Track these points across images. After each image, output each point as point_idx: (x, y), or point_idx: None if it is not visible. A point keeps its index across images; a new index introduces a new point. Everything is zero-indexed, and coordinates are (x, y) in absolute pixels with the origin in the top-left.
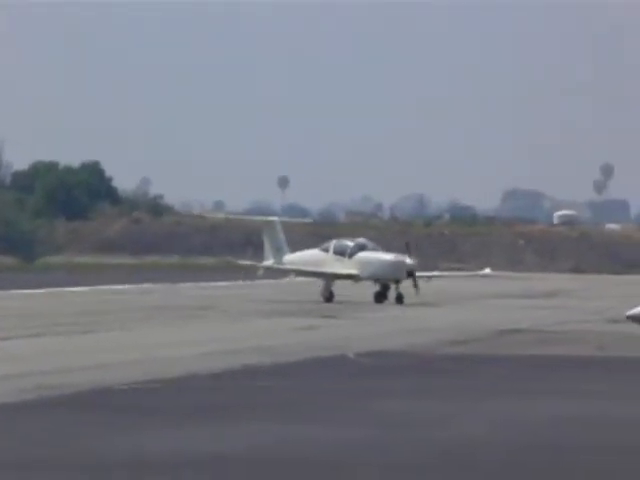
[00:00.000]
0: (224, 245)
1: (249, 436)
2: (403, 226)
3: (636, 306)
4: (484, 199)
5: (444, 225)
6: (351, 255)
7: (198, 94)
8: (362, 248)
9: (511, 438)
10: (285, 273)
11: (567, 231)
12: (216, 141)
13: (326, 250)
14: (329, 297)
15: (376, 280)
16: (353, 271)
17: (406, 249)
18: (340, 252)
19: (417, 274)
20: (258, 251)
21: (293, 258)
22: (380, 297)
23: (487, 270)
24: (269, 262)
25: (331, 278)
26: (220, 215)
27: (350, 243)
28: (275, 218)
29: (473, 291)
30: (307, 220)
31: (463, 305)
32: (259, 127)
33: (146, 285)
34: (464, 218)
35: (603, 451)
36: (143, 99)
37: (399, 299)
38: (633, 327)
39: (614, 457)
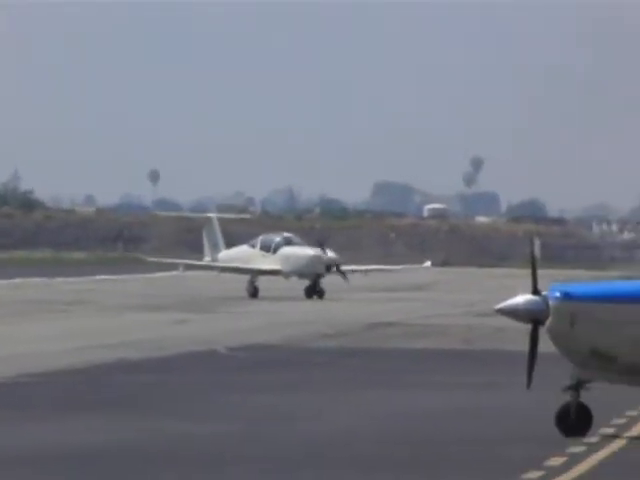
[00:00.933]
0: (95, 239)
1: (114, 430)
2: (274, 220)
3: (505, 299)
4: (354, 192)
5: (315, 219)
6: (275, 250)
7: (67, 88)
8: (288, 243)
9: (381, 430)
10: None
11: (437, 224)
12: (86, 135)
13: (253, 246)
14: (254, 293)
15: (300, 275)
16: (276, 266)
17: (319, 246)
18: (266, 247)
19: (351, 268)
20: (128, 245)
21: (226, 255)
22: (310, 292)
23: (428, 263)
24: (207, 259)
25: (254, 274)
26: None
27: (277, 238)
28: (213, 215)
29: (343, 284)
30: (246, 216)
31: (334, 298)
32: (129, 121)
33: (18, 280)
34: (334, 211)
35: (472, 443)
36: (10, 94)
37: (319, 294)
38: (501, 320)
39: (481, 447)
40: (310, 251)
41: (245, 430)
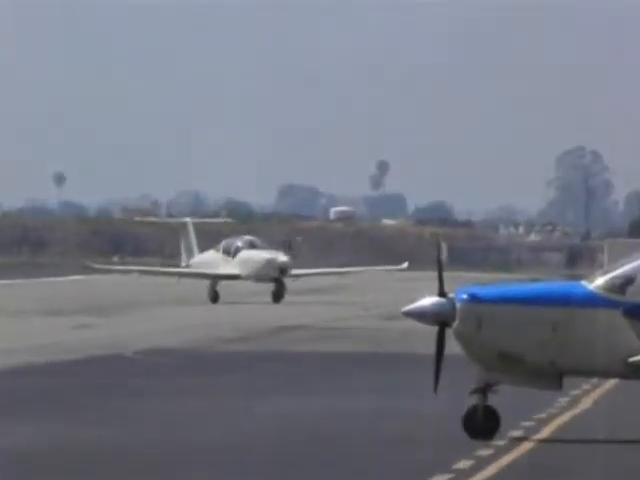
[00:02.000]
0: (0, 244)
1: (8, 435)
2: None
3: (412, 302)
4: (260, 195)
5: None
6: (235, 254)
7: None
8: (248, 246)
9: (282, 434)
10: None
11: (344, 227)
12: None
13: (217, 250)
14: (214, 297)
15: (256, 279)
16: (236, 271)
17: (287, 246)
18: (227, 251)
19: (295, 272)
20: (35, 249)
21: (199, 259)
22: (276, 296)
23: (405, 264)
24: (183, 264)
25: (215, 279)
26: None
27: (237, 242)
28: (188, 219)
29: (250, 289)
30: (224, 220)
31: (239, 302)
32: (31, 123)
33: None
34: (241, 214)
35: (380, 445)
36: None
37: (276, 296)
38: (409, 323)
39: (389, 450)
40: (266, 255)
41: (137, 435)
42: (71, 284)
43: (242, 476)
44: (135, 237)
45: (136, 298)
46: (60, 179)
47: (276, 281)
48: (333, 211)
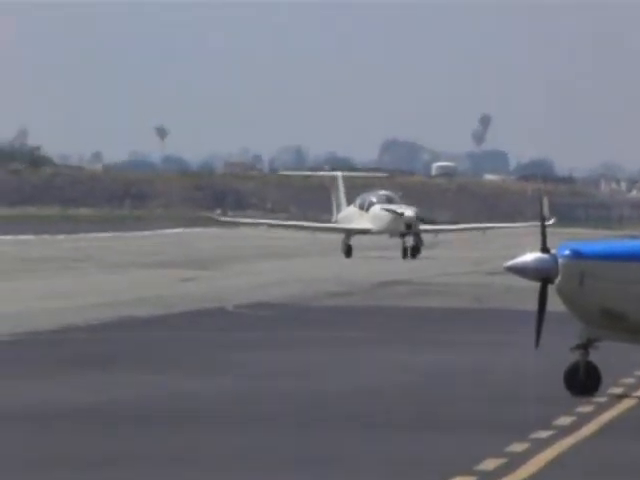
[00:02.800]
0: (103, 196)
1: (119, 387)
2: (281, 177)
3: (514, 257)
4: (362, 150)
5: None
6: (368, 209)
7: (75, 46)
8: (385, 201)
9: (387, 388)
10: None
11: (445, 183)
12: (93, 92)
13: (355, 205)
14: (347, 251)
15: (388, 233)
16: (367, 225)
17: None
18: (362, 206)
19: (426, 227)
20: (136, 202)
21: (343, 214)
22: (405, 251)
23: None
24: (333, 219)
25: (347, 233)
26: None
27: (371, 197)
28: (338, 173)
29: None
30: (381, 175)
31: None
32: (135, 78)
33: (24, 237)
34: (343, 170)
35: (480, 402)
36: (17, 52)
37: (413, 251)
38: (511, 279)
39: (489, 407)
40: (389, 210)
41: (251, 387)
42: (175, 237)
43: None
44: (237, 192)
45: (237, 252)
46: (163, 133)
47: (404, 236)
48: (435, 166)
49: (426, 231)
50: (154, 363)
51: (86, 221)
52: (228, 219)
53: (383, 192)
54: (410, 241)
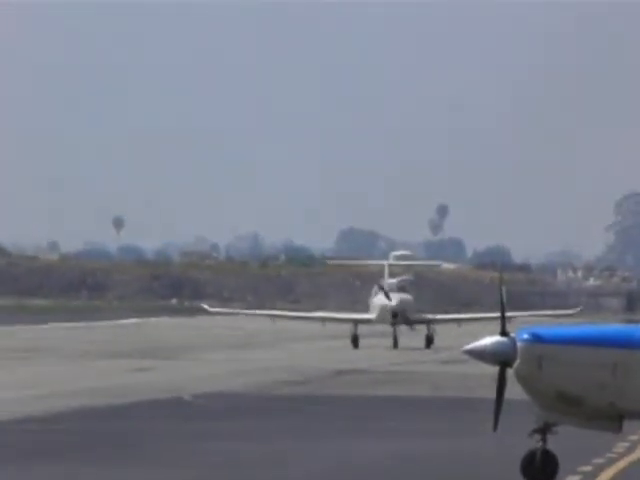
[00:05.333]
0: (59, 286)
1: (70, 478)
2: (238, 266)
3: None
4: (319, 239)
5: (280, 266)
6: (374, 297)
7: (28, 131)
8: (392, 290)
9: (338, 477)
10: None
11: (403, 271)
12: (50, 181)
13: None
14: (354, 341)
15: (382, 323)
16: (370, 315)
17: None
18: (375, 294)
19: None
20: (92, 292)
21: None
22: (396, 342)
23: (577, 309)
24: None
25: (354, 323)
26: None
27: (380, 285)
28: (384, 262)
29: (307, 331)
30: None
31: (295, 346)
32: (92, 167)
33: None
34: (300, 258)
35: None
36: None
37: (427, 341)
38: (465, 367)
39: None
40: (384, 300)
41: (204, 477)
42: (132, 326)
43: None
44: (193, 281)
45: (190, 341)
46: (119, 223)
47: (393, 325)
48: (392, 255)
49: (421, 322)
50: (111, 454)
51: (42, 311)
52: (215, 310)
53: (392, 280)
54: (395, 332)
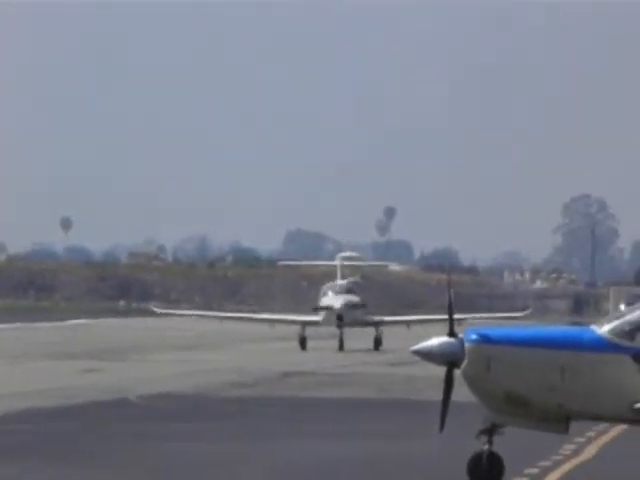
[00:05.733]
0: (6, 287)
1: (18, 479)
2: (186, 267)
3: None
4: (266, 240)
5: (227, 267)
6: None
7: None
8: (340, 291)
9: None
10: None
11: (350, 273)
12: None
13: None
14: (302, 343)
15: (330, 325)
16: (317, 317)
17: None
18: (323, 296)
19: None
20: (40, 293)
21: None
22: (341, 343)
23: (527, 311)
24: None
25: (302, 325)
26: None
27: (328, 287)
28: (336, 263)
29: (256, 333)
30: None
31: (243, 348)
32: (39, 166)
33: None
34: (247, 260)
35: None
36: None
37: (375, 344)
38: (413, 369)
39: None
40: (330, 301)
41: (152, 478)
42: (79, 327)
43: None
44: (141, 282)
45: (139, 342)
46: (67, 224)
47: (339, 327)
48: (339, 257)
49: (369, 323)
50: (59, 455)
51: None
52: (163, 311)
53: (341, 282)
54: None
